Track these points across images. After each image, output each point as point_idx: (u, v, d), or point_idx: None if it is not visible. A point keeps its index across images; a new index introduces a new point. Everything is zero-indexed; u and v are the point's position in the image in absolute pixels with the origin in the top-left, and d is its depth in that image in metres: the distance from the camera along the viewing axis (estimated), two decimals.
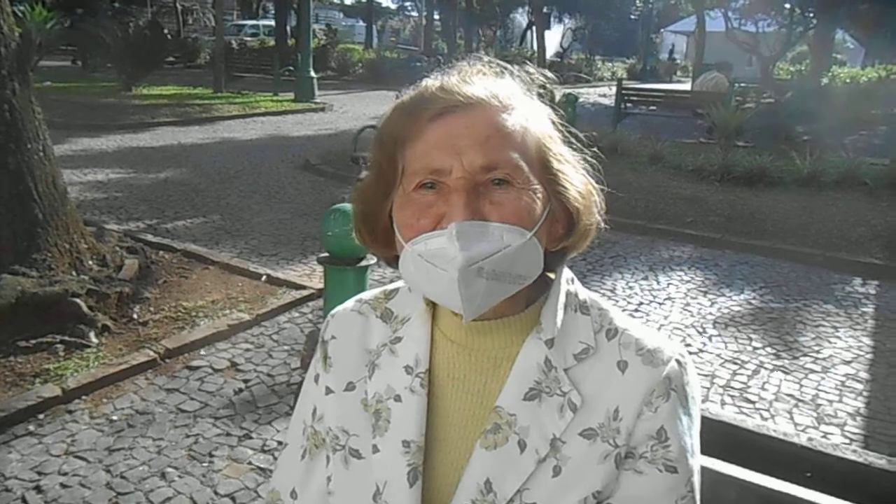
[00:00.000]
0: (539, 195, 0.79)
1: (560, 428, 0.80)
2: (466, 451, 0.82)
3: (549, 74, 0.89)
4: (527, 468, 0.79)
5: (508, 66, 0.86)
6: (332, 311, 1.00)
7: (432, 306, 0.90)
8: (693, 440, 0.83)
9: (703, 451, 1.09)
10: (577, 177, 0.84)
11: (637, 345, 0.84)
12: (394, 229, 0.83)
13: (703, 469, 1.13)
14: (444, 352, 0.87)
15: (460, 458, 0.83)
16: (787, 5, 18.64)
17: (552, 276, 0.87)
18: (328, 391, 0.92)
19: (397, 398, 0.86)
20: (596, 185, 0.86)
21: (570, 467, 0.79)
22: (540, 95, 0.86)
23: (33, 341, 3.65)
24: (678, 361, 0.83)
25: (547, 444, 0.80)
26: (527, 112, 0.81)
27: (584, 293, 0.89)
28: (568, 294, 0.87)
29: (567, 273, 0.89)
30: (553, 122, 0.85)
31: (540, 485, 0.79)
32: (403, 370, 0.87)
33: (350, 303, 0.98)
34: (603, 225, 0.87)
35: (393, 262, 0.89)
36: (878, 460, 1.21)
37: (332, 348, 0.94)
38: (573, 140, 0.86)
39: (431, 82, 0.82)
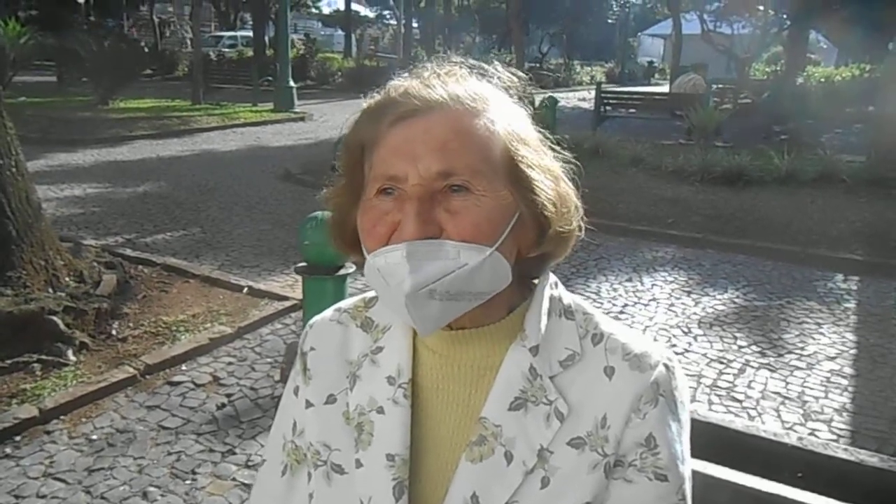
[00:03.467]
0: (504, 202, 0.75)
1: (547, 438, 0.77)
2: (452, 464, 0.80)
3: (522, 74, 0.85)
4: (514, 481, 0.77)
5: (483, 66, 0.83)
6: (311, 321, 0.96)
7: None
8: (683, 446, 0.81)
9: (693, 454, 1.07)
10: (547, 182, 0.79)
11: (623, 349, 0.82)
12: None
13: (694, 473, 1.11)
14: (427, 362, 0.84)
15: (446, 471, 0.80)
16: (761, 7, 18.85)
17: (535, 281, 0.85)
18: (308, 404, 0.88)
19: (380, 410, 0.83)
20: (573, 189, 0.83)
21: (558, 478, 0.77)
22: (520, 98, 0.82)
23: (9, 361, 3.56)
24: (666, 366, 0.81)
25: (534, 455, 0.77)
26: (494, 115, 0.77)
27: (568, 297, 0.86)
28: (552, 299, 0.84)
29: (550, 278, 0.86)
30: (525, 125, 0.81)
31: (528, 497, 0.76)
32: (385, 381, 0.84)
33: (329, 312, 0.95)
34: (583, 229, 0.84)
35: (362, 268, 0.87)
36: (869, 458, 1.20)
37: (312, 360, 0.90)
38: (553, 144, 0.83)
39: (398, 84, 0.79)
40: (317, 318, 0.96)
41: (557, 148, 0.83)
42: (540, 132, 0.83)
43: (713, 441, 1.25)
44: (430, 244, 0.72)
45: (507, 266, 0.76)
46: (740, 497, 1.14)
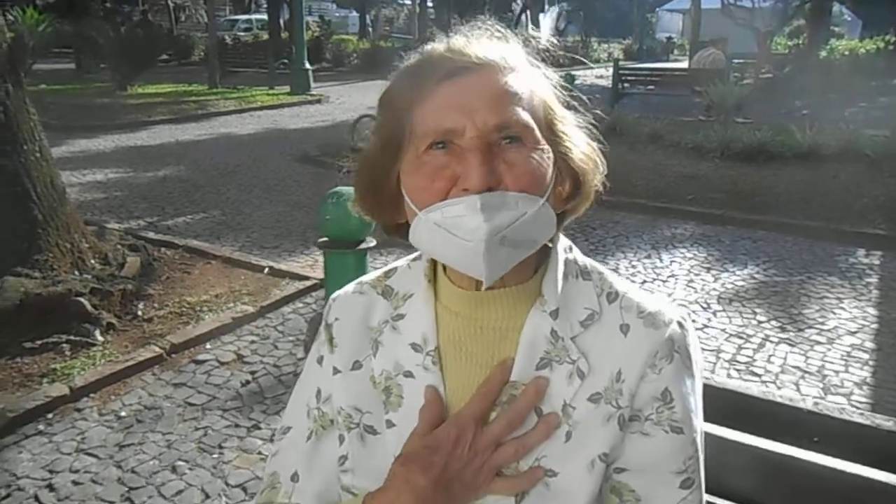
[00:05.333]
0: (547, 156, 0.79)
1: (570, 394, 0.81)
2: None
3: (552, 38, 0.88)
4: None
5: (510, 31, 0.86)
6: (334, 295, 0.99)
7: (434, 282, 0.89)
8: (696, 400, 0.84)
9: (711, 420, 1.09)
10: (581, 138, 0.84)
11: (638, 308, 0.85)
12: (402, 194, 0.83)
13: (712, 437, 1.13)
14: (449, 326, 0.87)
15: None
16: None
17: (550, 244, 0.87)
18: (335, 371, 0.91)
19: (408, 374, 0.86)
20: (597, 148, 0.87)
21: (579, 431, 0.80)
22: (543, 60, 0.85)
23: (39, 342, 3.66)
24: (679, 323, 0.84)
25: (560, 411, 0.80)
26: (532, 75, 0.82)
27: (582, 259, 0.90)
28: (567, 262, 0.87)
29: (564, 241, 0.89)
30: (555, 86, 0.85)
31: (554, 450, 0.80)
32: (410, 347, 0.87)
33: (351, 286, 0.98)
34: (603, 188, 0.87)
35: (396, 230, 0.89)
36: (885, 422, 1.21)
37: (337, 329, 0.94)
38: (576, 105, 0.87)
39: (437, 45, 0.82)
40: (339, 291, 0.99)
41: (581, 109, 0.87)
42: (564, 92, 0.86)
43: (730, 407, 1.27)
44: (498, 195, 0.75)
45: (553, 216, 0.80)
46: (757, 460, 1.16)
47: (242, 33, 28.72)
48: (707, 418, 0.88)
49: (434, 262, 0.90)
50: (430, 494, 0.78)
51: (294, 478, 0.93)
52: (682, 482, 0.81)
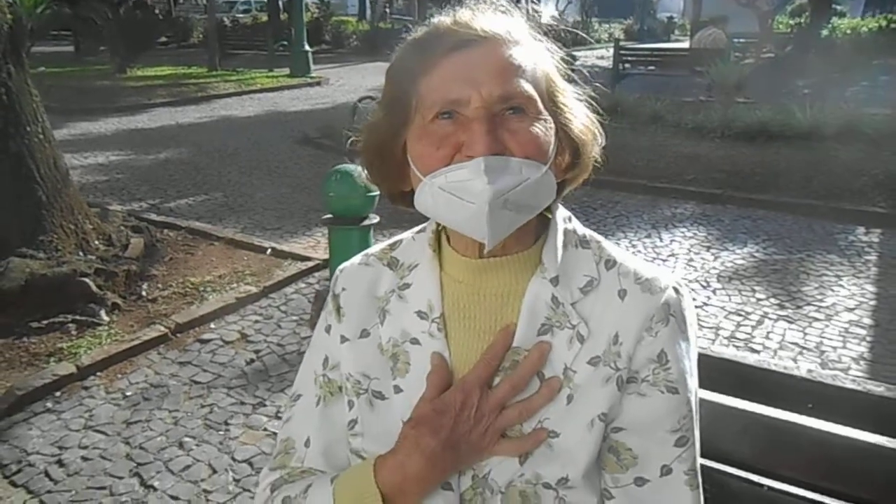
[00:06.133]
0: (550, 126, 0.82)
1: (570, 358, 0.84)
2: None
3: (554, 13, 0.91)
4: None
5: (513, 5, 0.88)
6: (340, 266, 1.02)
7: (438, 251, 0.92)
8: (691, 362, 0.86)
9: (707, 387, 1.12)
10: (581, 110, 0.87)
11: (635, 274, 0.87)
12: (408, 162, 0.85)
13: (710, 403, 1.16)
14: (453, 293, 0.90)
15: None
16: None
17: (549, 215, 0.90)
18: (343, 339, 0.94)
19: (414, 341, 0.89)
20: (596, 120, 0.89)
21: (580, 394, 0.83)
22: (545, 34, 0.88)
23: (45, 322, 3.70)
24: (675, 289, 0.87)
25: (561, 374, 0.83)
26: (535, 48, 0.85)
27: (581, 228, 0.93)
28: (566, 232, 0.90)
29: (563, 212, 0.92)
30: (557, 60, 0.87)
31: (556, 412, 0.83)
32: (416, 315, 0.90)
33: (357, 257, 1.01)
34: (603, 166, 0.90)
35: (402, 198, 0.91)
36: (876, 388, 1.24)
37: (344, 299, 0.96)
38: (576, 78, 0.89)
39: (443, 19, 0.84)
40: (346, 263, 1.02)
41: (580, 81, 0.90)
42: (565, 65, 0.89)
43: (726, 375, 1.30)
44: (501, 159, 0.78)
45: (554, 184, 0.84)
46: (753, 425, 1.19)
47: (241, 15, 28.56)
48: (703, 386, 0.91)
49: (438, 233, 0.93)
50: (438, 454, 0.81)
51: (307, 443, 0.96)
52: (677, 440, 0.84)
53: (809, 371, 1.30)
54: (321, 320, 1.00)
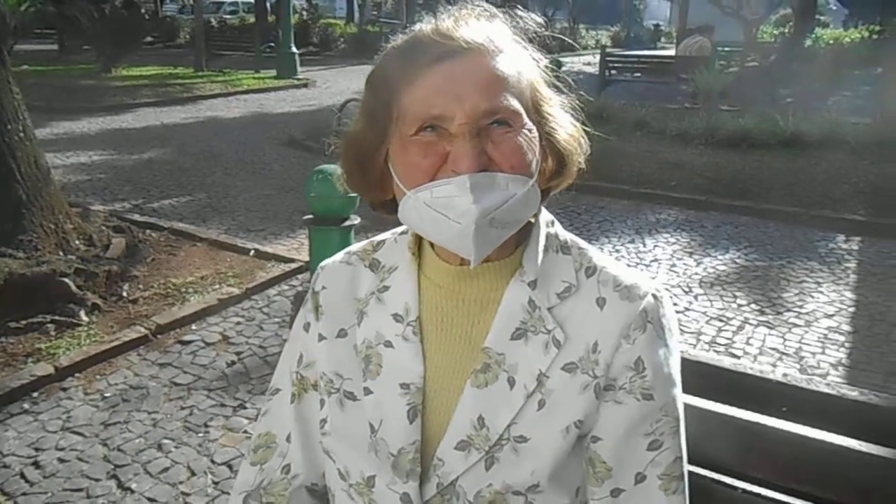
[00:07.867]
0: (534, 136, 0.81)
1: (545, 364, 0.83)
2: (456, 392, 0.85)
3: (538, 18, 0.88)
4: (517, 403, 0.83)
5: (497, 10, 0.87)
6: (322, 263, 1.01)
7: (418, 255, 0.92)
8: (672, 370, 0.86)
9: (684, 390, 1.13)
10: (566, 118, 0.86)
11: (615, 281, 0.87)
12: (390, 172, 0.84)
13: (685, 406, 1.17)
14: (431, 298, 0.90)
15: (450, 399, 0.86)
16: None
17: (532, 220, 0.90)
18: (321, 338, 0.94)
19: (388, 344, 0.89)
20: (579, 125, 0.89)
21: (553, 399, 0.83)
22: (530, 40, 0.86)
23: (24, 322, 3.65)
24: (654, 296, 0.86)
25: (534, 379, 0.83)
26: (519, 55, 0.83)
27: (563, 234, 0.92)
28: (549, 236, 0.90)
29: (546, 216, 0.92)
30: (541, 67, 0.86)
31: (527, 418, 0.83)
32: (392, 318, 0.90)
33: (339, 255, 1.01)
34: (588, 173, 0.90)
35: (383, 206, 0.90)
36: (850, 392, 1.25)
37: (324, 297, 0.96)
38: (561, 87, 0.88)
39: (424, 27, 0.82)
40: (327, 260, 1.01)
41: (564, 89, 0.89)
42: (549, 73, 0.88)
43: (701, 377, 1.31)
44: (487, 176, 0.77)
45: (538, 195, 0.83)
46: (727, 428, 1.20)
47: (228, 16, 28.42)
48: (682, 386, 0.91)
49: (419, 237, 0.92)
50: None
51: (289, 438, 0.96)
52: (650, 444, 0.84)
53: (784, 375, 1.31)
54: (300, 317, 1.00)
